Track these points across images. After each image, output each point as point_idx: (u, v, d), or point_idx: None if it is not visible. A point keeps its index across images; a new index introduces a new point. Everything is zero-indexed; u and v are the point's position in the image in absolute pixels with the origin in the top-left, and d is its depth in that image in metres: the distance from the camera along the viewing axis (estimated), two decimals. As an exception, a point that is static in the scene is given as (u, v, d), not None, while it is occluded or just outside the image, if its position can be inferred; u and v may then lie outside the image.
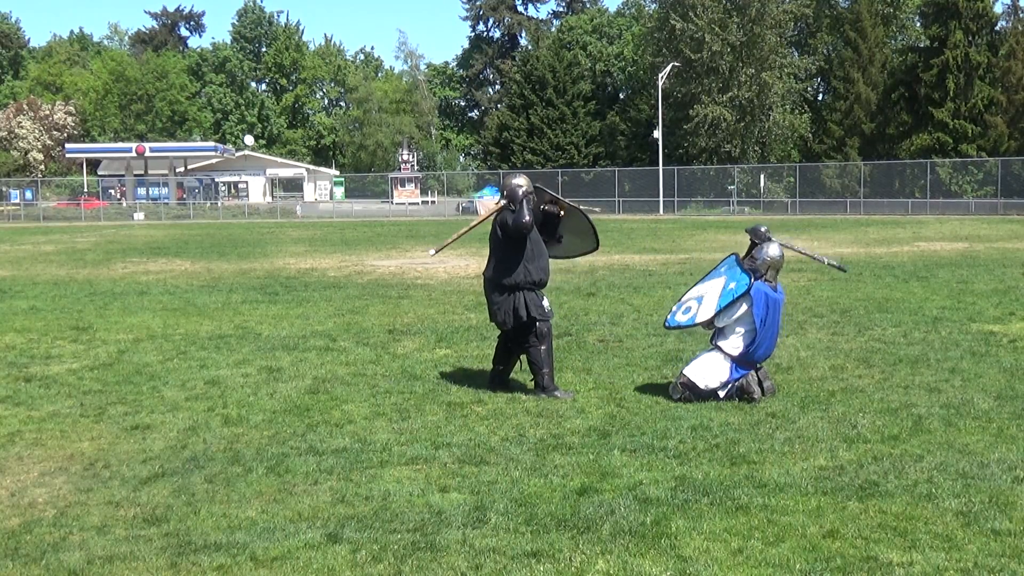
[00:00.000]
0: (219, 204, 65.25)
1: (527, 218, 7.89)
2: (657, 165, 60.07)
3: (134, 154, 68.10)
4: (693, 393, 7.77)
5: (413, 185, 69.38)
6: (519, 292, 8.03)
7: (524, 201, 7.99)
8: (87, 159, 74.40)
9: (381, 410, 7.68)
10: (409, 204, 65.13)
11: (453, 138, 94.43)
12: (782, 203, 59.28)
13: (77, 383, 8.83)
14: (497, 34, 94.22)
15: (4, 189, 69.33)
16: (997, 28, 60.61)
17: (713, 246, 27.03)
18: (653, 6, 69.27)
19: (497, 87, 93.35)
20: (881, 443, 6.55)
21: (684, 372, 7.90)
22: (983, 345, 10.17)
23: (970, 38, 57.35)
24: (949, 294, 14.72)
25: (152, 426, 7.27)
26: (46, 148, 77.73)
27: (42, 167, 77.24)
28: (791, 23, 64.25)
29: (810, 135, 64.72)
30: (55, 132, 78.14)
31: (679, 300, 8.48)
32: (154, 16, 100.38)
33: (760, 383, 7.85)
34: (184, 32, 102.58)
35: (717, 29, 60.45)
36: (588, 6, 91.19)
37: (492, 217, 8.33)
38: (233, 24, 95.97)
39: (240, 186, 74.01)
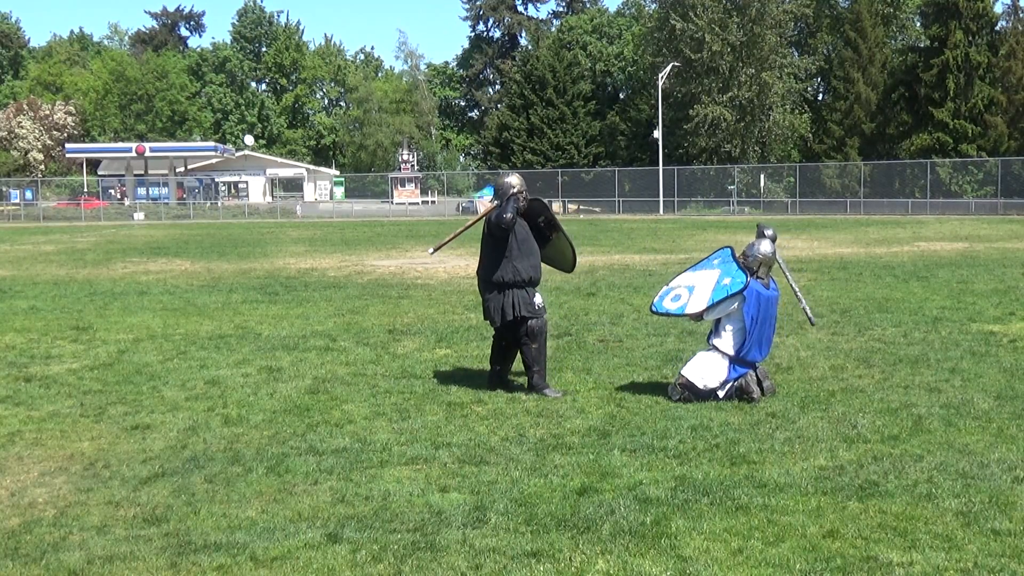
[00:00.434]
0: (219, 204, 65.28)
1: (508, 215, 7.94)
2: (657, 165, 60.09)
3: (134, 154, 68.12)
4: (692, 393, 7.76)
5: (413, 185, 69.40)
6: (508, 290, 8.07)
7: (510, 199, 8.02)
8: (87, 159, 74.43)
9: (381, 410, 7.68)
10: (409, 204, 65.16)
11: (453, 138, 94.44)
12: (782, 203, 59.31)
13: (77, 383, 8.83)
14: (497, 34, 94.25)
15: (4, 189, 69.36)
16: (997, 28, 60.63)
17: (713, 246, 26.90)
18: (653, 6, 69.31)
19: (497, 87, 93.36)
20: (881, 443, 6.55)
21: (682, 372, 7.90)
22: (983, 345, 10.17)
23: (970, 38, 57.37)
24: (949, 294, 14.72)
25: (152, 426, 7.27)
26: (46, 148, 77.74)
27: (42, 167, 77.26)
28: (791, 23, 64.30)
29: (810, 135, 64.76)
30: (55, 132, 78.16)
31: (667, 284, 8.36)
32: (154, 16, 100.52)
33: (760, 383, 7.85)
34: (184, 32, 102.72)
35: (717, 29, 60.47)
36: (588, 6, 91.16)
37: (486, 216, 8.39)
38: (233, 24, 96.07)
39: (240, 186, 74.04)
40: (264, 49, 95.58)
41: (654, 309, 8.30)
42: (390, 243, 30.75)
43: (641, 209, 58.99)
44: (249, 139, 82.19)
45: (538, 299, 8.24)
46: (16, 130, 76.84)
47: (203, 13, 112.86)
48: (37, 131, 77.21)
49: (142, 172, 69.31)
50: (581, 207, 61.38)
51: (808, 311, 8.64)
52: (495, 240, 8.11)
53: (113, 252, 27.52)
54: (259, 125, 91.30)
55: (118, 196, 67.60)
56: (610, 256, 22.95)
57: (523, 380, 8.38)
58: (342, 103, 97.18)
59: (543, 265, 8.49)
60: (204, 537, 5.02)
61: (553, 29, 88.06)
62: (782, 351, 9.75)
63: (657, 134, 59.89)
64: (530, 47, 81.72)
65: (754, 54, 61.56)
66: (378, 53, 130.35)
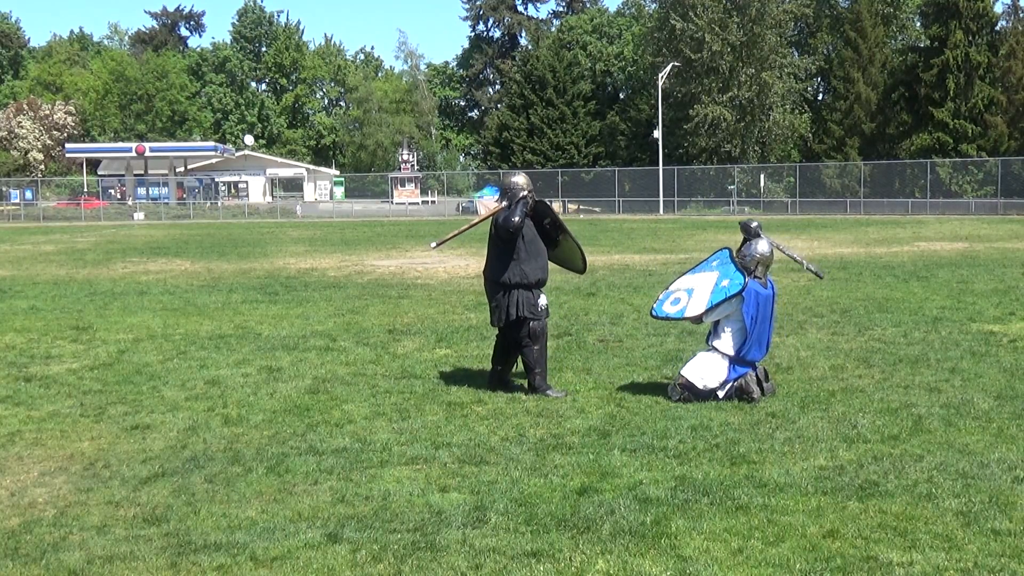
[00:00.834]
0: (219, 204, 65.27)
1: (516, 219, 7.93)
2: (657, 165, 60.09)
3: (134, 154, 68.13)
4: (692, 393, 7.76)
5: (413, 185, 69.41)
6: (514, 291, 8.06)
7: (519, 202, 8.01)
8: (87, 159, 74.43)
9: (381, 410, 7.68)
10: (409, 204, 65.16)
11: (453, 138, 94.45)
12: (782, 203, 59.30)
13: (77, 383, 8.83)
14: (497, 34, 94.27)
15: (4, 189, 69.34)
16: (997, 28, 60.62)
17: (713, 246, 26.94)
18: (653, 6, 69.31)
19: (497, 87, 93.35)
20: (881, 443, 6.55)
21: (682, 373, 7.90)
22: (983, 345, 10.17)
23: (970, 38, 57.35)
24: (949, 294, 14.72)
25: (152, 426, 7.27)
26: (46, 148, 77.72)
27: (42, 167, 77.24)
28: (791, 23, 64.30)
29: (810, 135, 64.75)
30: (55, 132, 78.13)
31: (667, 288, 8.39)
32: (154, 16, 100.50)
33: (760, 383, 7.85)
34: (184, 32, 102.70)
35: (717, 29, 60.46)
36: (588, 6, 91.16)
37: (492, 216, 8.36)
38: (233, 24, 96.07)
39: (240, 186, 74.04)
40: (264, 49, 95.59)
41: (654, 314, 8.32)
42: (390, 243, 30.75)
43: (641, 209, 58.99)
44: (249, 139, 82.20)
45: (543, 300, 8.23)
46: (16, 130, 76.81)
47: (203, 13, 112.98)
48: (37, 131, 77.18)
49: (142, 172, 69.32)
50: (581, 207, 61.37)
51: (813, 267, 8.82)
52: (502, 242, 8.09)
53: (113, 252, 27.52)
54: (259, 125, 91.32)
55: (118, 196, 67.60)
56: (610, 256, 22.95)
57: (524, 380, 8.38)
58: (342, 103, 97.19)
59: (551, 265, 8.49)
60: (204, 537, 5.02)
61: (553, 29, 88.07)
62: (782, 351, 9.75)
63: (657, 134, 59.89)
64: (530, 47, 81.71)
65: (754, 54, 61.55)
66: (378, 53, 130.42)
